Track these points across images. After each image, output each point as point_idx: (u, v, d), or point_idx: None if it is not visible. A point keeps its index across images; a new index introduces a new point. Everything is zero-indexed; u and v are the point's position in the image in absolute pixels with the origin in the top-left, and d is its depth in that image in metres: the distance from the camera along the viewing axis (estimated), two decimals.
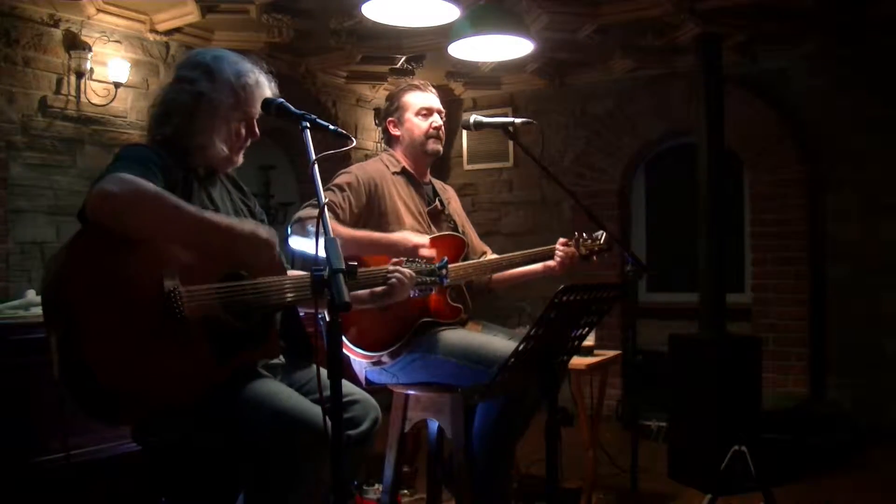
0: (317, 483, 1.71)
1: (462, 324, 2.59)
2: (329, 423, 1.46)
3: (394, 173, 2.61)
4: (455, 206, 2.83)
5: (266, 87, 1.93)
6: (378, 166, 2.61)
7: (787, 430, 3.92)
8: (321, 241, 1.53)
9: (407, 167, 2.65)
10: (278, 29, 4.18)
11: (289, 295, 1.83)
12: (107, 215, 1.55)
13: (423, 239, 2.38)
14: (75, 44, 3.82)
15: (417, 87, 2.65)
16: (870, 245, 4.68)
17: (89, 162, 3.89)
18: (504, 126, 2.65)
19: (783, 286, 4.83)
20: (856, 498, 3.45)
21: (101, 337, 1.50)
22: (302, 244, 2.30)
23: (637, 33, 4.57)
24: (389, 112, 2.68)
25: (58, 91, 3.79)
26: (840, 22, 4.33)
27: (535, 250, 2.72)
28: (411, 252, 2.31)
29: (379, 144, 5.73)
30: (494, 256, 2.78)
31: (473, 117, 2.63)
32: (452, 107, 5.74)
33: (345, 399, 1.86)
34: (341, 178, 2.50)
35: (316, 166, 1.64)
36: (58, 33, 3.79)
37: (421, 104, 2.62)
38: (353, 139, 1.80)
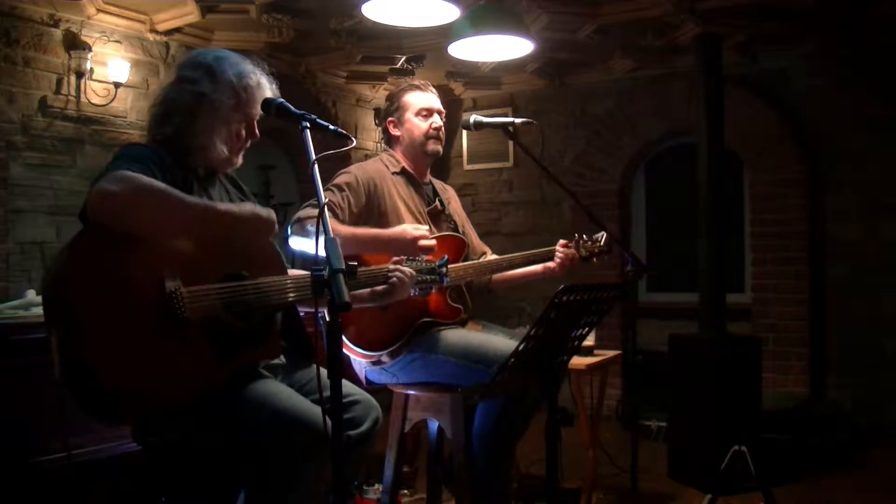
0: (317, 483, 1.71)
1: (462, 324, 2.59)
2: (329, 423, 1.46)
3: (394, 173, 2.61)
4: (455, 206, 2.83)
5: (267, 89, 1.93)
6: (378, 166, 2.61)
7: (787, 430, 3.92)
8: (321, 240, 1.53)
9: (407, 167, 2.65)
10: (278, 29, 4.18)
11: (290, 295, 1.83)
12: (107, 214, 1.55)
13: (422, 230, 2.38)
14: (75, 44, 3.82)
15: (418, 88, 2.65)
16: (870, 245, 4.68)
17: (89, 162, 3.89)
18: (504, 126, 2.65)
19: (783, 286, 4.83)
20: (856, 498, 3.45)
21: (102, 337, 1.50)
22: (302, 244, 2.30)
23: (637, 33, 4.57)
24: (389, 112, 2.68)
25: (58, 91, 3.79)
26: (840, 22, 4.33)
27: (535, 251, 2.72)
28: (411, 245, 2.31)
29: (379, 144, 5.73)
30: (494, 257, 2.78)
31: (473, 117, 2.63)
32: (452, 107, 5.74)
33: (345, 399, 1.87)
34: (341, 178, 2.50)
35: (316, 166, 1.64)
36: (58, 33, 3.79)
37: (421, 104, 2.62)
38: (353, 139, 1.80)
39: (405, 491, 3.39)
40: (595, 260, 2.78)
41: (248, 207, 1.78)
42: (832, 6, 4.06)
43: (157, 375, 1.57)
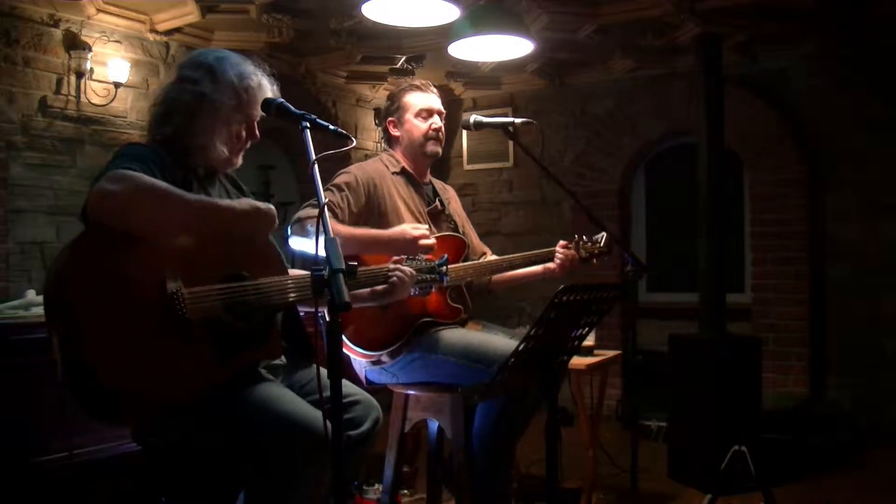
0: (317, 486, 1.71)
1: (462, 324, 2.60)
2: (330, 427, 1.46)
3: (393, 173, 2.61)
4: (455, 206, 2.83)
5: (268, 90, 1.93)
6: (377, 166, 2.61)
7: (787, 430, 3.92)
8: (321, 240, 1.53)
9: (407, 167, 2.65)
10: (278, 29, 4.18)
11: (290, 295, 1.83)
12: (107, 213, 1.55)
13: (422, 229, 2.38)
14: (75, 44, 3.83)
15: (418, 88, 2.65)
16: (870, 245, 4.68)
17: (89, 162, 3.89)
18: (504, 126, 2.65)
19: (783, 286, 4.83)
20: (856, 498, 3.45)
21: (103, 337, 1.50)
22: (302, 244, 2.30)
23: (637, 33, 4.57)
24: (389, 112, 2.68)
25: (58, 91, 3.79)
26: (840, 22, 4.33)
27: (535, 252, 2.72)
28: (411, 245, 2.31)
29: (379, 144, 5.73)
30: (494, 258, 2.78)
31: (473, 117, 2.63)
32: (452, 107, 5.74)
33: (346, 399, 1.87)
34: (340, 178, 2.50)
35: (316, 166, 1.64)
36: (58, 33, 3.79)
37: (421, 105, 2.62)
38: (353, 139, 1.80)
39: (405, 491, 3.39)
40: (595, 261, 2.79)
41: (248, 202, 1.78)
42: (832, 6, 4.06)
43: (157, 376, 1.57)
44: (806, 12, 4.14)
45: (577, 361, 3.11)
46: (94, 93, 3.91)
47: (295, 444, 1.67)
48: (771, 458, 3.64)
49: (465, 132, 5.96)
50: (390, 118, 2.67)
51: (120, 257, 1.56)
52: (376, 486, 3.31)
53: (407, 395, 2.56)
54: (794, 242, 4.81)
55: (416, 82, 2.67)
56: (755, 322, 4.89)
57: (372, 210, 2.50)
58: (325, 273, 1.49)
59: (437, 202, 2.71)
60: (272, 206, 1.81)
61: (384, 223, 2.49)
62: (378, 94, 5.74)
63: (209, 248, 1.71)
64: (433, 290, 2.33)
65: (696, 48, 3.90)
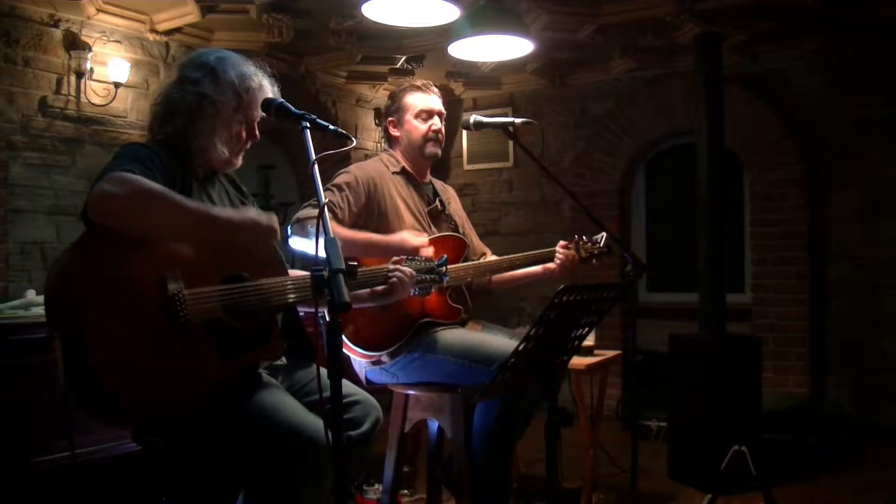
0: (318, 492, 1.72)
1: (462, 324, 2.60)
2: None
3: (394, 173, 2.61)
4: (455, 206, 2.83)
5: (269, 91, 1.93)
6: (377, 166, 2.61)
7: (787, 430, 3.92)
8: (321, 241, 1.53)
9: (407, 167, 2.65)
10: (278, 29, 4.18)
11: (290, 296, 1.82)
12: (107, 215, 1.55)
13: (422, 239, 2.38)
14: (75, 44, 3.82)
15: (419, 89, 2.64)
16: (870, 245, 4.68)
17: (89, 162, 3.89)
18: (504, 126, 2.64)
19: (783, 286, 4.83)
20: (856, 498, 3.45)
21: (104, 338, 1.50)
22: (302, 244, 2.30)
23: (637, 33, 4.57)
24: (390, 112, 2.68)
25: (58, 91, 3.79)
26: (840, 22, 4.33)
27: (535, 252, 2.72)
28: (410, 254, 2.31)
29: (379, 144, 5.73)
30: (494, 258, 2.78)
31: (473, 117, 2.63)
32: (452, 107, 5.73)
33: (346, 399, 1.87)
34: (340, 178, 2.50)
35: (316, 166, 1.64)
36: (58, 33, 3.79)
37: (421, 106, 2.62)
38: (353, 139, 1.80)
39: (405, 491, 3.39)
40: (595, 261, 2.79)
41: (249, 214, 1.76)
42: (832, 6, 4.06)
43: (158, 376, 1.58)
44: (806, 12, 4.14)
45: (577, 361, 3.11)
46: (94, 93, 3.91)
47: (297, 456, 1.67)
48: (771, 458, 3.64)
49: (465, 132, 5.96)
50: (390, 118, 2.67)
51: (121, 258, 1.56)
52: (376, 486, 3.31)
53: (407, 395, 2.56)
54: (794, 242, 4.81)
55: (418, 82, 2.67)
56: (755, 322, 4.89)
57: (372, 210, 2.50)
58: (325, 273, 1.49)
59: (437, 202, 2.71)
60: (274, 218, 1.79)
61: (384, 223, 2.49)
62: (378, 94, 5.74)
63: (210, 249, 1.71)
64: (433, 290, 2.33)
65: (696, 48, 3.90)
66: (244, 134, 1.93)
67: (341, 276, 1.47)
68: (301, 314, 2.10)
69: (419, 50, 4.72)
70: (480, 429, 2.52)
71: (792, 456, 3.82)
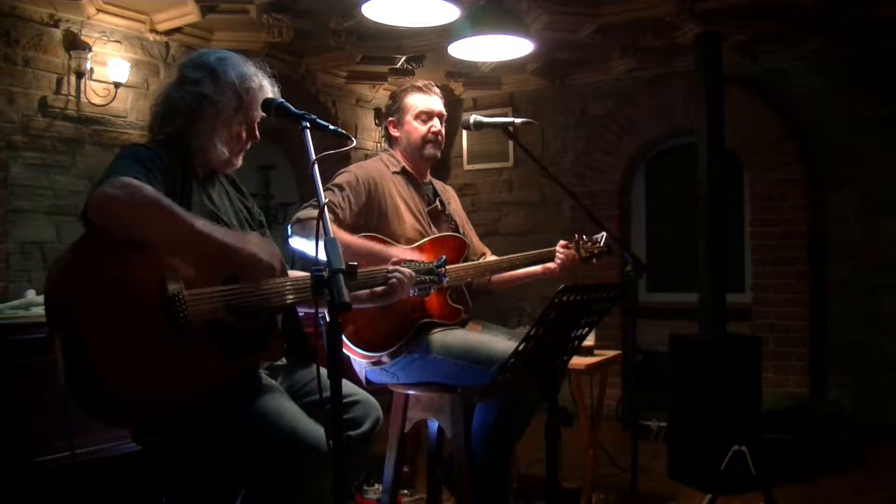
0: (318, 498, 1.72)
1: (462, 324, 2.60)
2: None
3: (394, 173, 2.61)
4: (455, 206, 2.83)
5: (269, 91, 1.93)
6: (378, 165, 2.61)
7: (787, 430, 3.92)
8: (321, 242, 1.53)
9: (407, 167, 2.65)
10: (278, 29, 4.18)
11: (289, 297, 1.82)
12: (109, 218, 1.55)
13: (416, 256, 2.39)
14: (75, 44, 3.82)
15: (420, 89, 2.64)
16: (870, 245, 4.68)
17: (89, 162, 3.89)
18: (504, 126, 2.64)
19: (783, 286, 4.83)
20: (856, 498, 3.45)
21: (104, 338, 1.50)
22: (302, 244, 2.30)
23: (637, 33, 4.57)
24: (390, 112, 2.68)
25: (58, 91, 3.79)
26: (840, 22, 4.33)
27: (535, 252, 2.72)
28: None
29: (379, 144, 5.73)
30: (494, 258, 2.78)
31: (473, 117, 2.63)
32: (452, 107, 5.72)
33: (346, 399, 1.87)
34: (341, 178, 2.50)
35: (316, 166, 1.64)
36: (58, 33, 3.79)
37: (421, 107, 2.62)
38: (353, 139, 1.79)
39: (405, 491, 3.39)
40: (595, 261, 2.78)
41: (250, 248, 1.71)
42: (832, 6, 4.06)
43: (158, 376, 1.58)
44: (806, 12, 4.14)
45: (577, 361, 3.11)
46: (94, 93, 3.91)
47: (298, 462, 1.67)
48: (771, 458, 3.64)
49: (465, 132, 5.96)
50: (391, 118, 2.67)
51: (121, 258, 1.56)
52: (376, 486, 3.31)
53: (407, 395, 2.56)
54: (794, 242, 4.81)
55: (419, 83, 2.66)
56: (755, 322, 4.89)
57: (372, 209, 2.50)
58: (325, 273, 1.49)
59: (437, 202, 2.71)
60: (276, 255, 1.75)
61: (384, 223, 2.49)
62: (378, 94, 5.74)
63: (206, 259, 1.70)
64: (433, 290, 2.32)
65: (696, 48, 3.90)
66: (244, 134, 1.93)
67: (341, 276, 1.46)
68: (301, 314, 2.10)
69: (419, 50, 4.72)
70: (480, 429, 2.52)
71: (792, 456, 3.82)
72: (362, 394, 1.98)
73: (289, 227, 2.34)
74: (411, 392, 2.54)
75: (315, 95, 5.28)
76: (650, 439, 4.49)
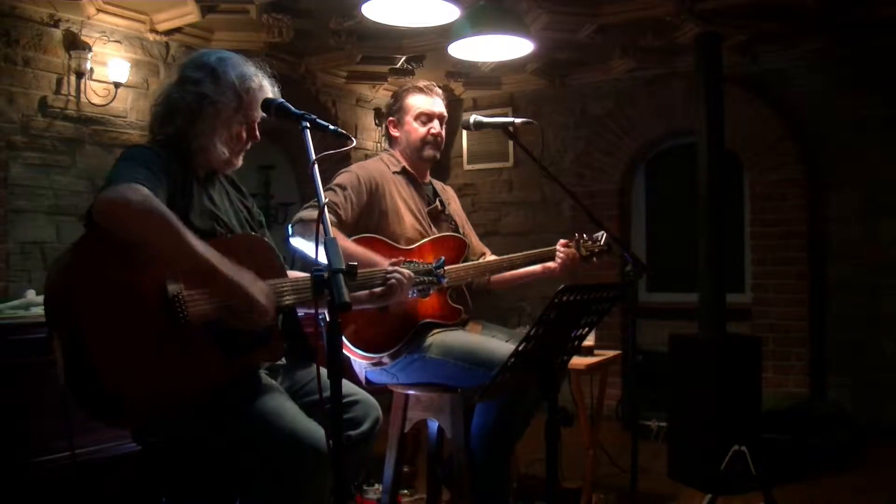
0: (318, 499, 1.72)
1: (462, 324, 2.60)
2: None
3: (394, 173, 2.61)
4: (455, 206, 2.83)
5: (269, 91, 1.93)
6: (379, 165, 2.61)
7: (787, 430, 3.92)
8: (321, 242, 1.53)
9: (407, 167, 2.65)
10: (278, 29, 4.18)
11: (287, 298, 1.82)
12: (115, 221, 1.54)
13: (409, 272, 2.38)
14: (75, 44, 3.82)
15: (421, 91, 2.63)
16: (870, 245, 4.68)
17: (89, 162, 3.89)
18: (504, 126, 2.64)
19: (783, 286, 4.83)
20: (856, 498, 3.45)
21: (105, 338, 1.50)
22: (303, 244, 2.30)
23: (637, 33, 4.57)
24: (391, 112, 2.68)
25: (58, 91, 3.79)
26: (840, 22, 4.33)
27: (535, 251, 2.72)
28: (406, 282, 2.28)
29: (379, 144, 5.73)
30: (494, 258, 2.78)
31: (473, 117, 2.63)
32: (452, 107, 5.71)
33: (346, 399, 1.87)
34: (342, 178, 2.50)
35: (316, 166, 1.63)
36: (58, 33, 3.79)
37: (422, 109, 2.61)
38: (353, 139, 1.79)
39: (405, 491, 3.39)
40: (595, 260, 2.78)
41: (250, 289, 1.66)
42: (832, 6, 4.06)
43: (159, 377, 1.58)
44: (806, 12, 4.14)
45: (577, 361, 3.11)
46: (94, 93, 3.91)
47: (298, 462, 1.67)
48: (771, 458, 3.64)
49: (465, 132, 5.96)
50: (391, 118, 2.67)
51: (122, 259, 1.56)
52: (376, 486, 3.31)
53: (407, 395, 2.56)
54: (794, 242, 4.81)
55: (421, 84, 2.66)
56: (755, 322, 4.89)
57: (373, 209, 2.50)
58: (325, 274, 1.49)
59: (438, 202, 2.71)
60: (272, 303, 1.71)
61: (384, 223, 2.49)
62: (378, 94, 5.74)
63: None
64: (432, 291, 2.32)
65: (696, 48, 3.90)
66: (244, 134, 1.93)
67: (341, 276, 1.46)
68: (301, 315, 2.10)
69: (419, 50, 4.72)
70: (480, 429, 2.52)
71: (792, 456, 3.82)
72: (362, 394, 1.98)
73: (290, 226, 2.34)
74: (411, 392, 2.54)
75: (315, 95, 5.28)
76: (650, 439, 4.49)
